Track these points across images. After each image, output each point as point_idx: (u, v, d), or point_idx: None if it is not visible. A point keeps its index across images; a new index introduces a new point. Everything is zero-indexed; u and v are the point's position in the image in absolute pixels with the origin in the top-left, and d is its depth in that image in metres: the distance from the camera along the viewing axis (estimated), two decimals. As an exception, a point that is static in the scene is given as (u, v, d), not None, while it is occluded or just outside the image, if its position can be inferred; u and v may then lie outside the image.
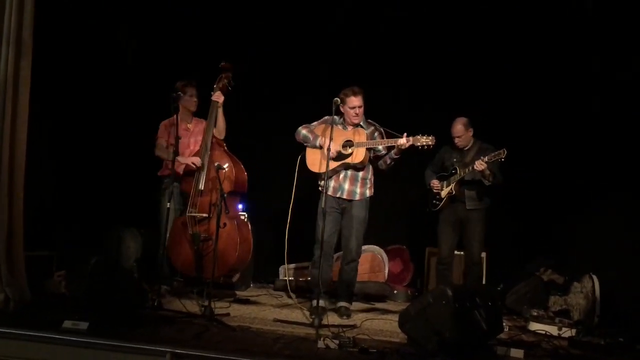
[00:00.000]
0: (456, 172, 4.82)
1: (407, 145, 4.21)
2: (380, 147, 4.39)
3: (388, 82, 5.87)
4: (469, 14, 5.62)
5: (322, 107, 4.51)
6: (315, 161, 4.46)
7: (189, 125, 4.91)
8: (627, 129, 4.53)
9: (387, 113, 5.27)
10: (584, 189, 5.03)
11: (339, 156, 4.37)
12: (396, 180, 5.85)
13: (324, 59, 5.92)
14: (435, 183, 4.97)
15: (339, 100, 4.24)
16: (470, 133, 4.89)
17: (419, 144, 4.19)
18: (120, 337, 3.15)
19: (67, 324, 3.25)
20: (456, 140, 4.89)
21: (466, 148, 4.91)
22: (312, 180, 4.51)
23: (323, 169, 4.31)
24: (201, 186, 4.52)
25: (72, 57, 5.22)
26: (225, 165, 4.50)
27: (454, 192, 4.84)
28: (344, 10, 5.85)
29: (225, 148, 4.73)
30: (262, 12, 5.93)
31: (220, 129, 4.76)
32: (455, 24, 5.69)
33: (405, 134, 4.22)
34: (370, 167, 4.50)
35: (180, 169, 4.67)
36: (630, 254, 4.26)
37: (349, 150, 4.30)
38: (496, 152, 4.49)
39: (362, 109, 4.39)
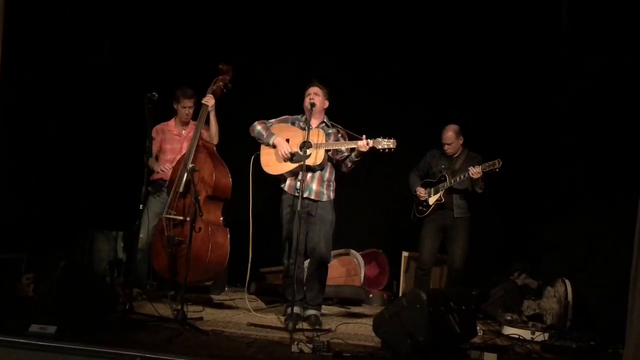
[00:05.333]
0: (445, 180, 4.82)
1: (367, 148, 4.02)
2: (342, 149, 4.23)
3: (374, 85, 5.91)
4: (452, 28, 5.70)
5: (289, 106, 4.49)
6: (270, 162, 4.30)
7: (183, 132, 4.89)
8: (600, 136, 4.58)
9: (370, 117, 5.31)
10: (559, 194, 5.09)
11: (296, 157, 4.22)
12: (371, 183, 5.88)
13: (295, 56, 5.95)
14: (421, 191, 4.95)
15: (314, 102, 4.19)
16: (461, 141, 4.90)
17: (379, 147, 3.99)
18: (89, 341, 3.08)
19: (34, 328, 3.17)
20: (446, 147, 4.88)
21: (455, 155, 4.92)
22: (272, 178, 4.37)
23: (278, 171, 4.26)
24: (181, 188, 4.45)
25: (48, 55, 5.10)
26: (202, 168, 4.41)
27: (443, 200, 4.84)
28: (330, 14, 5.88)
29: (214, 151, 4.65)
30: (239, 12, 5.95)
31: (212, 133, 4.71)
32: (442, 36, 5.77)
33: (364, 136, 4.06)
34: (333, 169, 4.35)
35: (168, 174, 4.66)
36: (602, 258, 4.30)
37: (308, 152, 4.06)
38: (491, 162, 4.50)
39: (319, 98, 4.24)
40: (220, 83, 4.64)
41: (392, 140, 4.01)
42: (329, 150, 4.24)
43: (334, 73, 5.51)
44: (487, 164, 4.52)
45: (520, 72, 5.47)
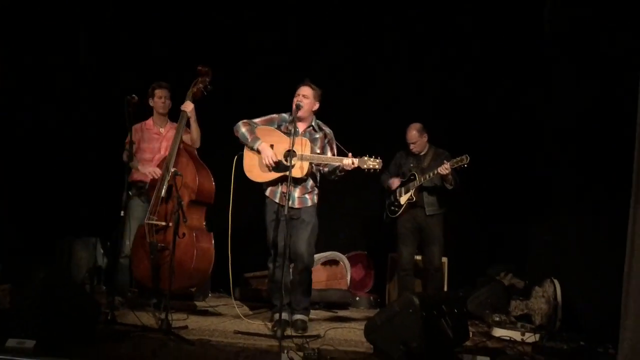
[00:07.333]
0: (415, 178, 4.81)
1: (353, 167, 3.98)
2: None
3: (341, 86, 5.84)
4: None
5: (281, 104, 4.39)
6: (252, 168, 4.18)
7: (162, 130, 4.76)
8: (583, 135, 4.57)
9: (341, 117, 5.23)
10: (544, 193, 5.08)
11: (280, 167, 4.10)
12: (355, 185, 5.81)
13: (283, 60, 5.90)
14: (395, 181, 4.92)
15: (300, 104, 4.10)
16: (425, 138, 4.90)
17: (365, 166, 3.96)
18: (71, 355, 2.96)
19: (12, 342, 3.04)
20: (411, 146, 4.88)
21: (422, 153, 4.92)
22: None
23: (260, 179, 4.16)
24: (163, 193, 4.33)
25: (25, 57, 4.94)
26: (185, 172, 4.29)
27: (414, 199, 4.82)
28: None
29: (195, 155, 4.55)
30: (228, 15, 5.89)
31: (193, 138, 4.60)
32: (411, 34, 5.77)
33: (350, 154, 4.00)
34: (316, 174, 4.27)
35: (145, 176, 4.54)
36: (589, 257, 4.29)
37: (293, 162, 3.93)
38: (459, 158, 4.48)
39: (307, 101, 4.15)
40: (200, 85, 4.55)
41: (378, 161, 3.97)
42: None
43: (323, 71, 5.43)
44: (455, 160, 4.52)
45: (507, 68, 5.47)
